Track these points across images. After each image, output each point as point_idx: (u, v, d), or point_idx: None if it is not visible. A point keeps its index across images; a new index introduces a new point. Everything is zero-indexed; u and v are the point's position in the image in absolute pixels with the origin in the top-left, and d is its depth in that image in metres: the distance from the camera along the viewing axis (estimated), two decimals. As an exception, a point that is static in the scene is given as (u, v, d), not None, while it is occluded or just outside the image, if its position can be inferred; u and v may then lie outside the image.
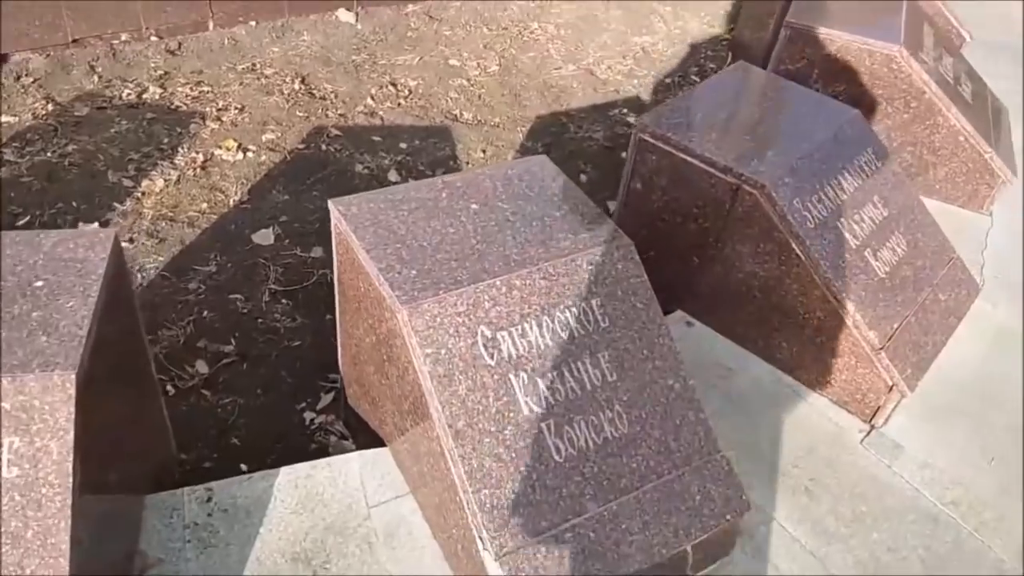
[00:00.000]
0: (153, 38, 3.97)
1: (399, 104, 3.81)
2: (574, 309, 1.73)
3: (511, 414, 1.61)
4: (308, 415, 2.37)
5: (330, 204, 1.84)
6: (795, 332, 2.20)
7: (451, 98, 3.91)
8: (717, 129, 2.24)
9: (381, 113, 3.73)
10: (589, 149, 3.70)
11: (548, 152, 3.61)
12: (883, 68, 2.82)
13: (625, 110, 4.00)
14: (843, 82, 2.90)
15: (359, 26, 4.38)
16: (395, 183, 3.31)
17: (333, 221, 1.84)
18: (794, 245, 2.08)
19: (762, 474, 2.03)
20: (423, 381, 1.58)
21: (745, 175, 2.09)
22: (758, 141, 2.21)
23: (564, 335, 1.71)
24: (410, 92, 3.92)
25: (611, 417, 1.70)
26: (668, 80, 4.32)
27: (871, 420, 2.17)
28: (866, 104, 2.91)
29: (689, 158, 2.17)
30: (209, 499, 1.81)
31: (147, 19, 3.92)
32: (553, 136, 3.75)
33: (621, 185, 2.39)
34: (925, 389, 2.22)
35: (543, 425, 1.63)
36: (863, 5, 3.04)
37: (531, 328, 1.68)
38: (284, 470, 1.90)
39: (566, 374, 1.68)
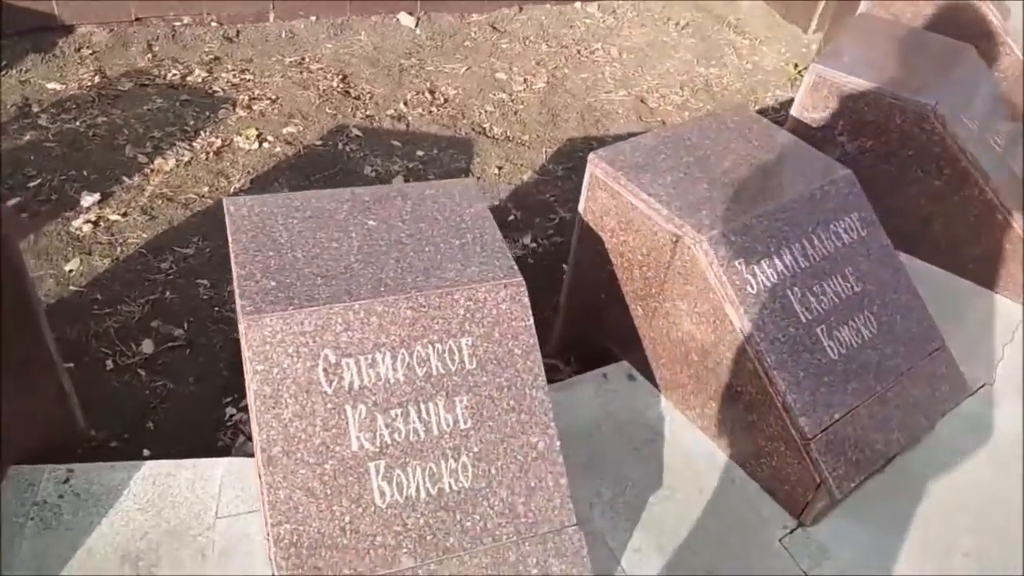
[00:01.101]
0: (213, 24, 4.10)
1: (430, 111, 3.77)
2: (439, 346, 1.62)
3: (337, 448, 1.51)
4: (229, 411, 2.35)
5: (224, 202, 1.80)
6: (730, 404, 1.99)
7: (486, 111, 3.84)
8: (678, 173, 2.06)
9: (410, 118, 3.70)
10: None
11: (568, 176, 3.48)
12: (914, 127, 2.54)
13: (664, 142, 3.80)
14: (870, 137, 2.62)
15: (418, 31, 4.37)
16: (399, 190, 3.27)
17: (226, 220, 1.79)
18: (728, 309, 1.87)
19: (651, 554, 1.84)
20: (248, 398, 1.50)
21: (687, 226, 1.90)
22: (718, 191, 2.01)
23: (420, 372, 1.59)
24: (445, 101, 3.87)
25: (454, 468, 1.57)
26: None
27: (799, 516, 1.92)
28: (895, 165, 2.62)
29: (635, 200, 2.01)
30: (67, 480, 1.81)
31: (210, 5, 4.06)
32: (577, 161, 3.60)
33: (576, 221, 2.24)
34: (873, 491, 1.96)
35: (372, 465, 1.52)
36: (918, 51, 2.74)
37: (383, 359, 1.58)
38: (149, 464, 1.88)
39: (412, 414, 1.57)
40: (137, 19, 3.97)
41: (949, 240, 2.66)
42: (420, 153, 3.50)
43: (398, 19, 4.41)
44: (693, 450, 2.08)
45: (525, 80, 4.11)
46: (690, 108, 4.09)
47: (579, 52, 4.41)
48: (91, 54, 3.79)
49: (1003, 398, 2.32)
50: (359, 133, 3.55)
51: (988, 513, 2.00)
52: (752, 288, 1.89)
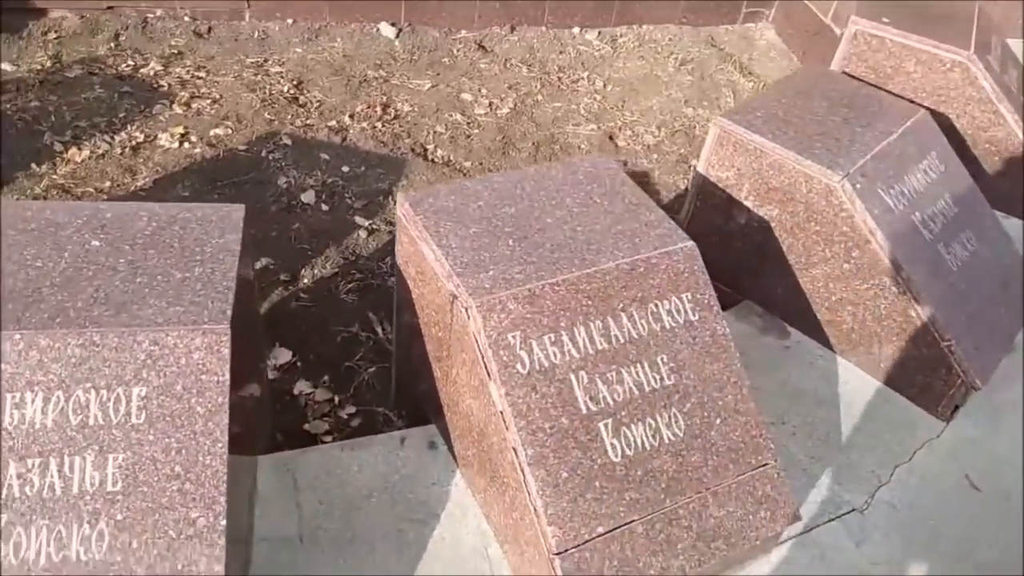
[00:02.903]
0: (186, 18, 4.05)
1: (375, 127, 3.60)
2: (104, 392, 1.43)
3: None
4: None
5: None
6: (499, 496, 1.72)
7: (435, 132, 3.65)
8: (487, 224, 1.81)
9: (350, 132, 3.54)
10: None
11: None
12: (821, 200, 2.20)
13: (616, 184, 3.51)
14: (776, 205, 2.30)
15: (397, 43, 4.23)
16: (307, 204, 3.12)
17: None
18: (491, 387, 1.61)
19: None
20: None
21: (463, 286, 1.65)
22: (523, 250, 1.75)
23: (74, 420, 1.40)
24: (396, 117, 3.70)
25: (87, 535, 1.37)
26: (694, 163, 3.75)
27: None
28: (801, 240, 2.29)
29: (426, 250, 1.77)
30: None
31: (184, -1, 4.02)
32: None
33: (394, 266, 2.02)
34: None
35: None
36: (853, 112, 2.40)
37: (32, 400, 1.40)
38: None
39: (52, 466, 1.38)
40: (109, 7, 3.96)
41: (861, 332, 2.30)
42: (345, 169, 3.33)
43: (378, 29, 4.27)
44: (464, 541, 1.81)
45: (490, 104, 3.90)
46: (662, 151, 3.79)
47: (560, 80, 4.16)
48: (56, 39, 3.79)
49: (872, 532, 1.96)
50: (289, 142, 3.41)
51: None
52: (523, 367, 1.62)
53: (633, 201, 1.96)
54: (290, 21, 4.18)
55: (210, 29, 4.06)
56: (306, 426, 2.31)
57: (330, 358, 2.55)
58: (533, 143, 3.68)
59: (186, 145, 3.30)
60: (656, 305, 1.78)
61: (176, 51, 3.87)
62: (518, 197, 1.92)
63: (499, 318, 1.63)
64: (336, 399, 2.43)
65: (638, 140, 3.84)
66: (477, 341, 1.63)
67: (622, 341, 1.73)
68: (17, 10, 3.82)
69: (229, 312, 1.52)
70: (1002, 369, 2.36)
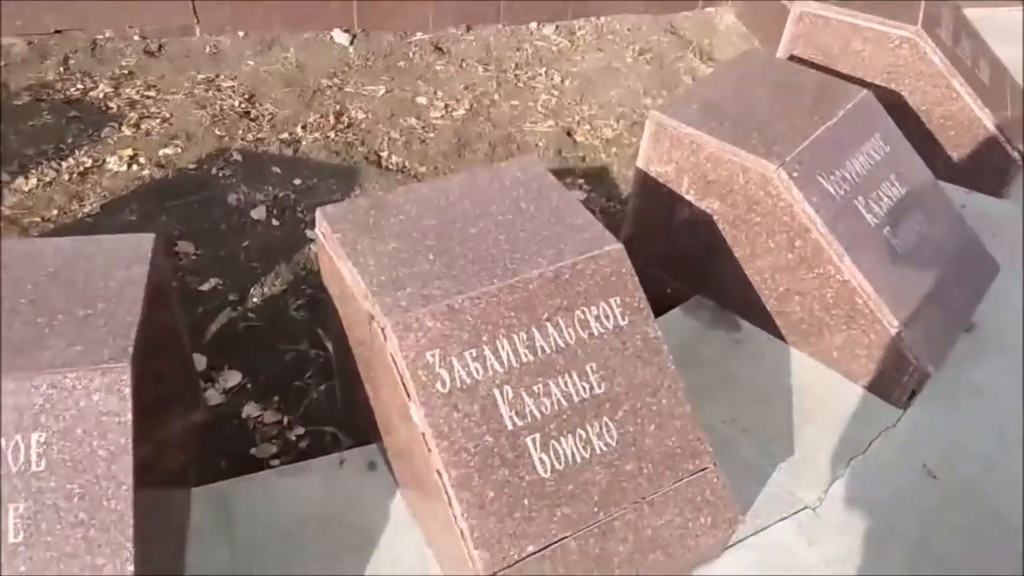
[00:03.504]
0: (136, 37, 4.01)
1: (327, 136, 3.55)
2: (2, 441, 1.38)
3: None
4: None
5: None
6: (431, 520, 1.68)
7: (390, 138, 3.60)
8: (407, 238, 1.77)
9: (303, 143, 3.50)
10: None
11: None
12: (759, 191, 2.15)
13: (573, 180, 3.47)
14: (716, 198, 2.25)
15: (351, 49, 4.17)
16: (257, 220, 3.07)
17: None
18: (411, 408, 1.57)
19: None
20: None
21: (377, 305, 1.61)
22: (444, 263, 1.70)
23: None
24: (349, 124, 3.65)
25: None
26: (655, 153, 3.70)
27: None
28: (744, 232, 2.24)
29: (343, 269, 1.73)
30: None
31: (132, 18, 3.96)
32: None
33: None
34: None
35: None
36: (792, 97, 2.35)
37: None
38: None
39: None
40: (57, 31, 3.92)
41: (811, 322, 2.25)
42: (297, 181, 3.29)
43: (332, 36, 4.22)
44: (403, 564, 1.77)
45: (446, 106, 3.85)
46: (621, 144, 3.74)
47: (517, 77, 4.11)
48: (4, 66, 3.74)
49: (825, 530, 1.91)
50: (239, 158, 3.37)
51: None
52: (443, 386, 1.58)
53: (560, 204, 1.91)
54: (242, 34, 4.13)
55: (161, 47, 4.01)
56: (253, 451, 2.27)
57: (280, 378, 2.51)
58: (489, 143, 3.63)
59: (134, 167, 3.25)
60: (583, 312, 1.74)
61: (127, 71, 3.82)
62: (441, 208, 1.87)
63: (416, 337, 1.59)
64: (285, 420, 2.39)
65: (596, 134, 3.78)
66: (395, 361, 1.58)
67: (548, 352, 1.68)
68: (-35, 40, 3.78)
69: (131, 349, 1.47)
70: (961, 350, 2.32)
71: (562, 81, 4.12)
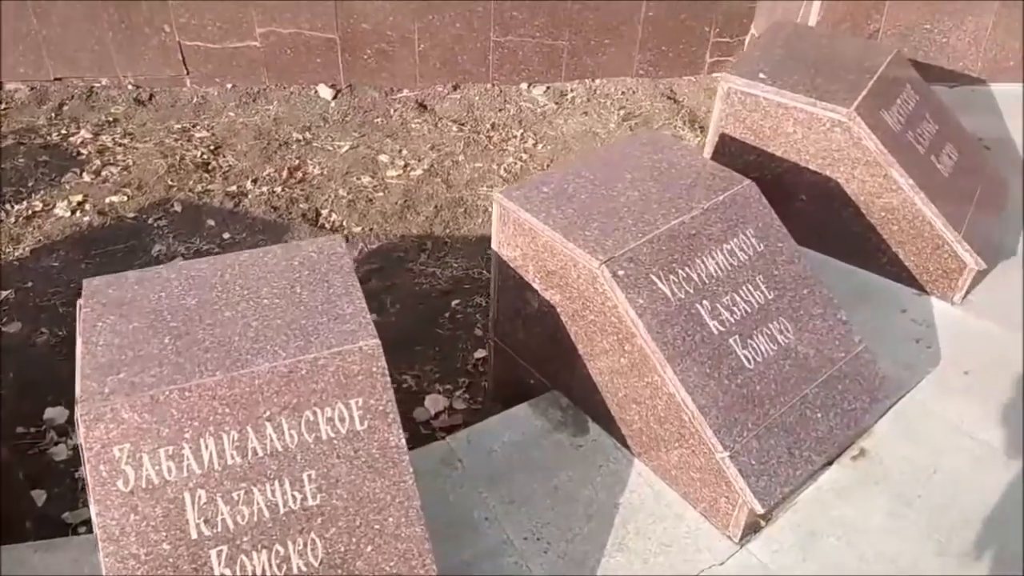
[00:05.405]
0: (130, 86, 4.18)
1: (274, 191, 3.57)
2: None
3: None
4: None
5: None
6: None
7: (336, 196, 3.57)
8: (150, 317, 1.69)
9: (248, 197, 3.52)
10: (414, 285, 3.13)
11: (367, 281, 3.11)
12: (589, 287, 1.95)
13: (509, 251, 3.32)
14: (557, 290, 2.07)
15: (333, 104, 4.21)
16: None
17: None
18: (90, 505, 1.48)
19: None
20: None
21: (80, 391, 1.54)
22: (177, 346, 1.62)
23: None
24: (302, 180, 3.65)
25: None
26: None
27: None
28: (581, 327, 2.04)
29: (79, 346, 1.67)
30: None
31: (126, 67, 4.15)
32: (395, 262, 3.24)
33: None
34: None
35: None
36: (671, 184, 2.15)
37: None
38: None
39: None
40: (56, 79, 4.14)
41: (648, 434, 2.01)
42: (226, 236, 3.31)
43: (316, 91, 4.27)
44: None
45: (406, 165, 3.80)
46: (575, 212, 3.56)
47: (490, 138, 4.02)
48: (3, 109, 3.98)
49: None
50: (179, 208, 3.42)
51: None
52: (125, 484, 1.48)
53: (337, 291, 1.79)
54: (230, 86, 4.24)
55: (152, 96, 4.17)
56: (65, 515, 2.24)
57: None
58: (435, 206, 3.55)
59: (78, 214, 3.36)
60: (314, 413, 1.60)
61: (112, 119, 3.98)
62: (210, 286, 1.79)
63: (106, 428, 1.50)
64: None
65: (553, 202, 3.62)
66: (82, 453, 1.50)
67: (260, 455, 1.56)
68: (-22, 83, 4.05)
69: None
70: (836, 478, 2.02)
71: (535, 144, 4.00)
